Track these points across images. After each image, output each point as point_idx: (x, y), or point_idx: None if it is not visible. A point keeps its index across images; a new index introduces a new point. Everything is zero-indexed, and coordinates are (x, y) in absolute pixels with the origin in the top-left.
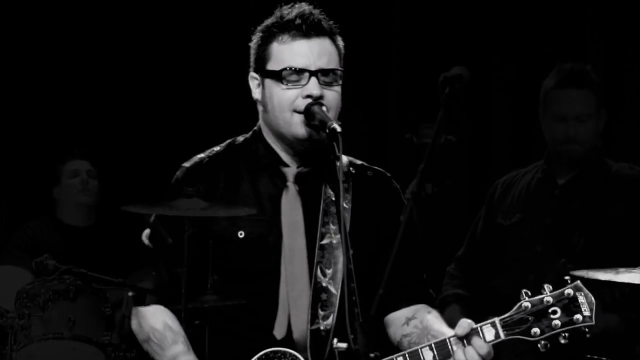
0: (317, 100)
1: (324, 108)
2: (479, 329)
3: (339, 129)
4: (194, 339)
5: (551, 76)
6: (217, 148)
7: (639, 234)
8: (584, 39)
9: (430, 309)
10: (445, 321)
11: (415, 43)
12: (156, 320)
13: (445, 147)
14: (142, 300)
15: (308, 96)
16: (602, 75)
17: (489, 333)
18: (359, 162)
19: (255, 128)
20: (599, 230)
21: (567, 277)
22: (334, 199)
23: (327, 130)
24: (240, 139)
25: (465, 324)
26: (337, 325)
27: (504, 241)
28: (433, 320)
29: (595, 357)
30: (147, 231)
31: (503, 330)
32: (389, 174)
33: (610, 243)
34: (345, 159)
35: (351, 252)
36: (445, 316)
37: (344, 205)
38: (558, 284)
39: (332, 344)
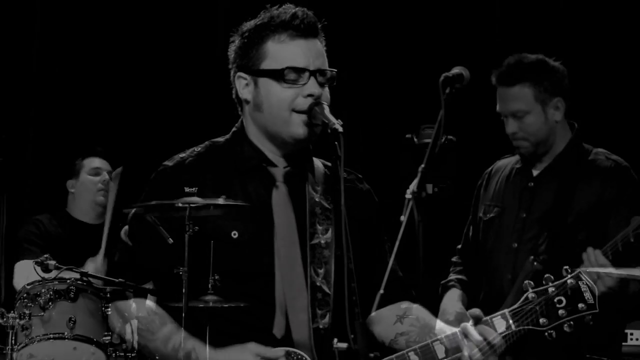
0: (317, 99)
1: (325, 108)
2: (489, 320)
3: (340, 129)
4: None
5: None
6: (197, 148)
7: (602, 232)
8: (585, 39)
9: (415, 305)
10: (445, 302)
11: (415, 43)
12: (139, 309)
13: (445, 147)
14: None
15: (309, 95)
16: (602, 71)
17: (500, 324)
18: (329, 163)
19: (235, 129)
20: (563, 226)
21: (566, 267)
22: (317, 199)
23: (329, 131)
24: (221, 139)
25: (475, 314)
26: (334, 324)
27: (484, 236)
28: (430, 318)
29: (596, 357)
30: (125, 228)
31: (513, 322)
32: (360, 175)
33: (573, 240)
34: (318, 162)
35: (339, 252)
36: (446, 298)
37: (326, 205)
38: (558, 274)
39: (332, 344)
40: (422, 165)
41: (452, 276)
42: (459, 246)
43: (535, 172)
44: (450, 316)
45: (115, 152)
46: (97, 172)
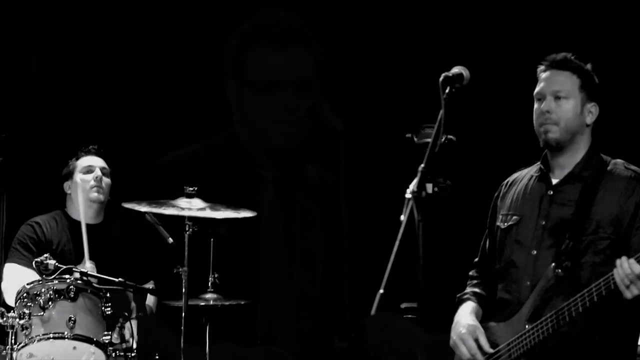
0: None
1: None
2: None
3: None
4: (193, 341)
5: None
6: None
7: (624, 241)
8: (586, 39)
9: None
10: (459, 315)
11: (416, 43)
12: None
13: (445, 146)
14: (143, 300)
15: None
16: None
17: None
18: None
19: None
20: (584, 234)
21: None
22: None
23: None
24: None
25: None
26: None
27: (502, 244)
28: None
29: (596, 357)
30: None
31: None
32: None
33: (594, 249)
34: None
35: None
36: (460, 311)
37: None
38: (577, 282)
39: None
40: (422, 165)
41: (468, 289)
42: (476, 259)
43: (554, 181)
44: (463, 329)
45: (109, 148)
46: (89, 169)
